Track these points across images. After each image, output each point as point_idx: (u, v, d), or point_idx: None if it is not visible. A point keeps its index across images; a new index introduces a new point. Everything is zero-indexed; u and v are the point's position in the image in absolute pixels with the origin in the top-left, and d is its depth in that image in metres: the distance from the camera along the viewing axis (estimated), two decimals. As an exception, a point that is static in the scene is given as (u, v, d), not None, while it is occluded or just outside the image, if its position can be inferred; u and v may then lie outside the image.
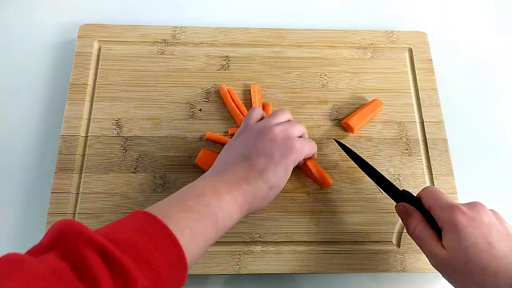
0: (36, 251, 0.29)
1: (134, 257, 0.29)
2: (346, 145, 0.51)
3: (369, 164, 0.48)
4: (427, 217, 0.42)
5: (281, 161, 0.42)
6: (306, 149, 0.45)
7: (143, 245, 0.30)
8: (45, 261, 0.27)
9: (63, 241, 0.29)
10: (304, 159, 0.48)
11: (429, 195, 0.43)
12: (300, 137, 0.47)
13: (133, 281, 0.28)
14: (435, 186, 0.43)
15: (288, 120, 0.47)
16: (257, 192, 0.40)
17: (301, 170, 0.52)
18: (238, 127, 0.54)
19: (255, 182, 0.40)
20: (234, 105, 0.54)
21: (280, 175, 0.42)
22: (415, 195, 0.44)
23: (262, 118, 0.48)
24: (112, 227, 0.32)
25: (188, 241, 0.33)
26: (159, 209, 0.35)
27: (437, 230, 0.41)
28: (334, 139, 0.53)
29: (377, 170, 0.47)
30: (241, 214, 0.40)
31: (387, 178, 0.47)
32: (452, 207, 0.40)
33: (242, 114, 0.54)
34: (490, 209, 0.40)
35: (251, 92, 0.55)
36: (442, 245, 0.39)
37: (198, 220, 0.35)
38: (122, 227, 0.32)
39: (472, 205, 0.40)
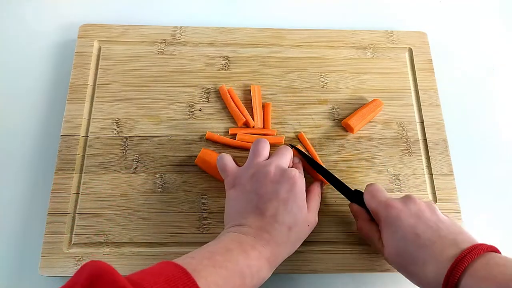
0: None
1: None
2: (302, 150, 0.51)
3: (322, 166, 0.49)
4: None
5: (289, 197, 0.42)
6: (301, 172, 0.47)
7: None
8: None
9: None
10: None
11: (368, 193, 0.44)
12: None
13: None
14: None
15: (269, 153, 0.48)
16: (277, 238, 0.40)
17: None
18: (238, 127, 0.54)
19: (273, 228, 0.40)
20: (234, 105, 0.54)
21: (294, 211, 0.41)
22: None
23: (234, 161, 0.48)
24: (145, 276, 0.32)
25: None
26: (189, 262, 0.34)
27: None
28: (289, 144, 0.52)
29: (329, 171, 0.49)
30: (270, 268, 0.39)
31: (339, 178, 0.48)
32: (385, 203, 0.41)
33: (242, 114, 0.54)
34: (424, 201, 0.41)
35: (251, 92, 0.55)
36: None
37: (226, 277, 0.35)
38: (154, 278, 0.32)
39: (403, 199, 0.41)
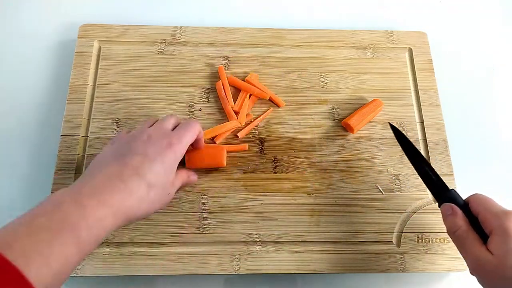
0: None
1: None
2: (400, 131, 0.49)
3: (422, 157, 0.46)
4: (471, 222, 0.41)
5: (157, 157, 0.40)
6: (187, 137, 0.43)
7: None
8: None
9: None
10: (193, 147, 0.47)
11: (480, 201, 0.42)
12: (177, 125, 0.45)
13: None
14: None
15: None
16: (133, 191, 0.37)
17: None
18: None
19: (130, 179, 0.38)
20: (227, 101, 0.55)
21: (157, 171, 0.40)
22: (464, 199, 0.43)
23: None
24: None
25: (39, 267, 0.29)
26: (1, 236, 0.30)
27: (481, 235, 0.40)
28: (389, 123, 0.51)
29: (429, 164, 0.46)
30: (116, 218, 0.36)
31: (436, 171, 0.45)
32: (504, 213, 0.39)
33: (235, 113, 0.54)
34: None
35: (246, 78, 0.56)
36: (488, 249, 0.38)
37: (51, 239, 0.31)
38: None
39: None
